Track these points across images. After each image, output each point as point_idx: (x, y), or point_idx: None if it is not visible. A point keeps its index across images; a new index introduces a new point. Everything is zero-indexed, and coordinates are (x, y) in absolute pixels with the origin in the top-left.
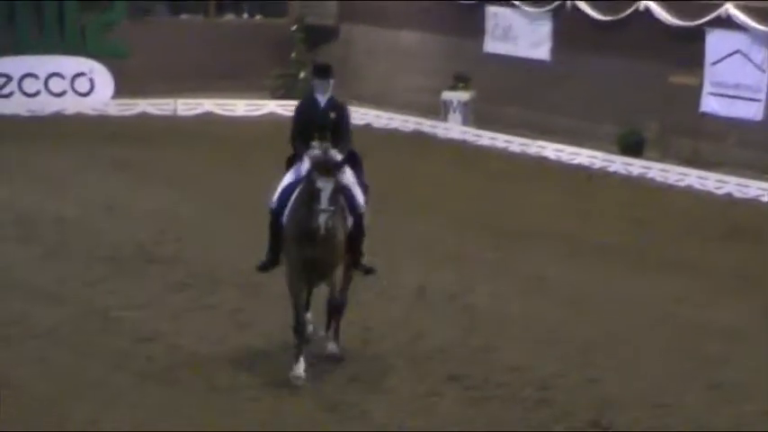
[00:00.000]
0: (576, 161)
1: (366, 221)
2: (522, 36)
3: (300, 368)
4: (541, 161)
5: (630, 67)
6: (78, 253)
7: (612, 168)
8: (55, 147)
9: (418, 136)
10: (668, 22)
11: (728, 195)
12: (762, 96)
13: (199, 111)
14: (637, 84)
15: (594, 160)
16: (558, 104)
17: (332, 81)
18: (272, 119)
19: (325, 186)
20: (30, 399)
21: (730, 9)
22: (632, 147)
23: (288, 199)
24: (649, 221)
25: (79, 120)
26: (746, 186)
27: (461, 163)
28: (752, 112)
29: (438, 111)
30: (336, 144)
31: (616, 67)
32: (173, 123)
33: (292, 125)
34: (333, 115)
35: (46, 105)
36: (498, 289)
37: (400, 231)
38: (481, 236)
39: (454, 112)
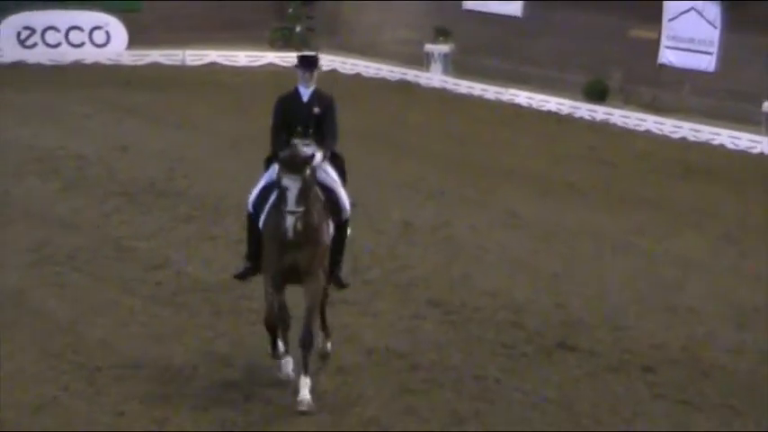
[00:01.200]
0: (545, 107)
1: (349, 231)
2: None
3: (289, 366)
4: (515, 107)
5: (595, 22)
6: (94, 187)
7: (578, 114)
8: (74, 92)
9: (403, 84)
10: None
11: (683, 139)
12: (713, 50)
13: (205, 61)
14: (601, 37)
15: (562, 107)
16: (529, 56)
17: (317, 72)
18: (271, 68)
19: (291, 185)
20: (48, 320)
21: None
22: (597, 94)
23: (264, 202)
24: (612, 162)
25: (96, 68)
26: (699, 131)
27: (442, 109)
28: (705, 63)
29: (421, 61)
30: (320, 141)
31: (582, 22)
32: (181, 72)
33: (272, 120)
34: (317, 110)
35: (66, 55)
36: (476, 223)
37: (387, 171)
38: (461, 175)
39: (435, 62)
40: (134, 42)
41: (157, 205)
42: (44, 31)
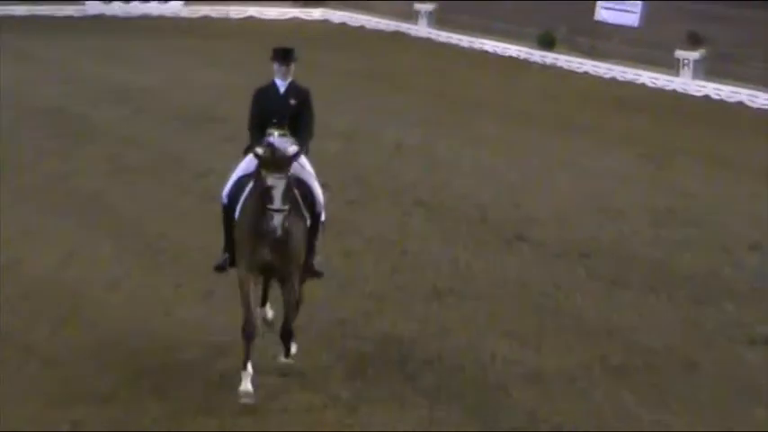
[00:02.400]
0: (507, 53)
1: (323, 218)
2: None
3: (248, 383)
4: (483, 53)
5: None
6: (156, 113)
7: (532, 59)
8: (141, 39)
9: (397, 35)
10: None
11: (614, 79)
12: (638, 10)
13: (244, 15)
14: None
15: (520, 53)
16: (495, 14)
17: (293, 65)
18: (295, 21)
19: (277, 183)
20: (119, 216)
21: None
22: (547, 43)
23: (240, 193)
24: (558, 96)
25: (160, 20)
26: (626, 72)
27: (427, 54)
28: (631, 20)
29: (411, 17)
30: (296, 133)
31: None
32: (226, 24)
33: (249, 113)
34: (293, 102)
35: (136, 9)
36: (452, 143)
37: (383, 102)
38: (441, 106)
39: (422, 18)
40: (191, 1)
41: (206, 127)
42: None
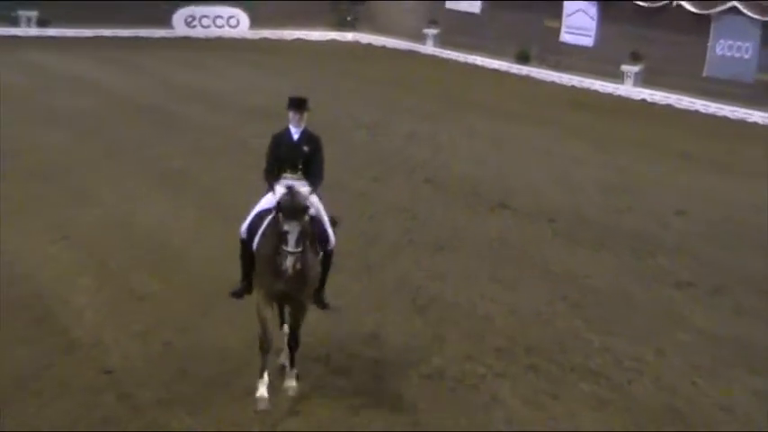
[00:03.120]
0: (492, 66)
1: (334, 257)
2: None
3: (264, 389)
4: (475, 66)
5: (524, 16)
6: (229, 109)
7: (512, 71)
8: (216, 53)
9: (410, 52)
10: None
11: (573, 86)
12: (592, 33)
13: (294, 37)
14: (528, 26)
15: (502, 66)
16: (484, 36)
17: (306, 114)
18: (332, 42)
19: (292, 229)
20: (201, 188)
21: None
22: (523, 59)
23: (258, 226)
24: (532, 99)
25: (231, 40)
26: (583, 81)
27: (432, 67)
28: (587, 41)
29: (421, 38)
30: (309, 177)
31: (516, 16)
32: (280, 43)
33: (266, 158)
34: (306, 148)
35: (213, 32)
36: (453, 134)
37: (399, 101)
38: (443, 105)
39: (429, 39)
40: (252, 26)
41: (263, 120)
42: (200, 17)
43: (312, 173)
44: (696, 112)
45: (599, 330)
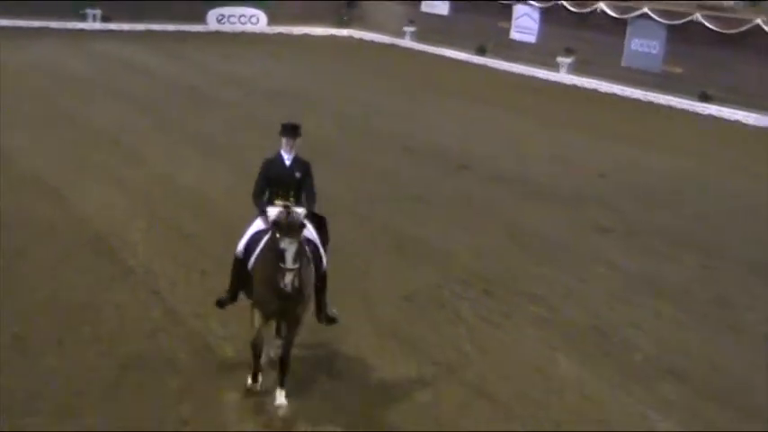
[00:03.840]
0: (458, 58)
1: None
2: (438, 3)
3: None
4: (444, 58)
5: (483, 18)
6: (252, 88)
7: (473, 61)
8: (242, 45)
9: (393, 45)
10: (501, 2)
11: (521, 74)
12: (535, 33)
13: (302, 32)
14: (485, 26)
15: (465, 57)
16: (450, 33)
17: (299, 140)
18: (332, 37)
19: (289, 247)
20: (234, 154)
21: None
22: (481, 52)
23: (254, 246)
24: (487, 83)
25: (253, 34)
26: (529, 70)
27: (410, 58)
28: (531, 39)
29: (401, 35)
30: (299, 201)
31: (477, 18)
32: (291, 37)
33: (256, 181)
34: (298, 174)
35: (238, 28)
36: (429, 112)
37: (385, 87)
38: (420, 89)
39: (408, 35)
40: (270, 23)
41: (281, 98)
42: (229, 16)
43: (305, 196)
44: (615, 95)
45: (540, 264)
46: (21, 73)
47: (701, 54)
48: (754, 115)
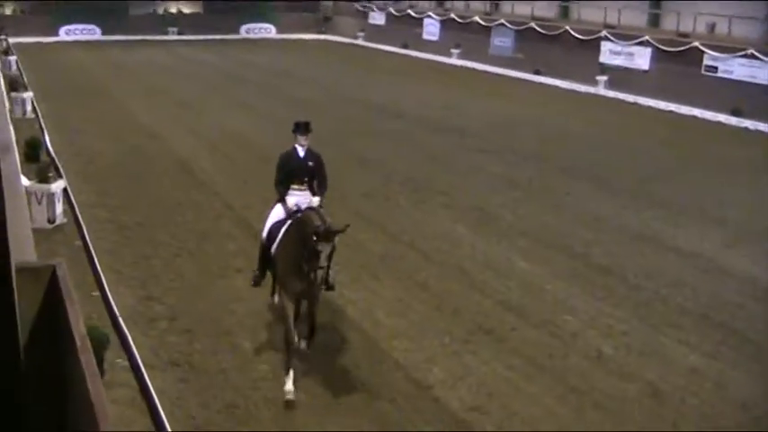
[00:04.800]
0: (390, 50)
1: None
2: (378, 17)
3: (290, 384)
4: (383, 50)
5: (406, 27)
6: (267, 71)
7: (400, 52)
8: (261, 46)
9: (352, 44)
10: (415, 18)
11: (429, 60)
12: (437, 35)
13: (297, 37)
14: (407, 31)
15: (395, 49)
16: (386, 36)
17: (310, 135)
18: (315, 39)
19: (324, 249)
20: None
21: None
22: (405, 47)
23: (276, 234)
24: (409, 65)
25: (267, 40)
26: (435, 57)
27: (362, 51)
28: (435, 38)
29: (357, 38)
30: (312, 188)
31: (403, 28)
32: (290, 40)
33: (276, 172)
34: (311, 164)
35: (259, 35)
36: (368, 79)
37: (353, 74)
38: (363, 68)
39: (361, 38)
40: (277, 32)
41: (289, 77)
42: (253, 28)
43: (318, 184)
44: (486, 71)
45: (443, 172)
46: (132, 67)
47: (534, 46)
48: (565, 82)
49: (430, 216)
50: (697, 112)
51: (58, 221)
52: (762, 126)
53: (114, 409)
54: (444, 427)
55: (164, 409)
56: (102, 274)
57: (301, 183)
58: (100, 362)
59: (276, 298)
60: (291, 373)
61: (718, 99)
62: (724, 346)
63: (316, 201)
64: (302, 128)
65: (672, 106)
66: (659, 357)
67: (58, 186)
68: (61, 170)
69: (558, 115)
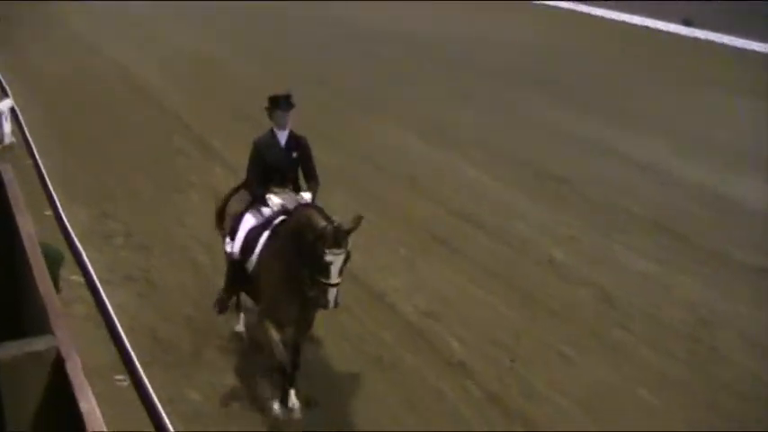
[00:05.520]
0: None
1: None
2: None
3: (278, 408)
4: None
5: None
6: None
7: None
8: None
9: None
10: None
11: None
12: None
13: None
14: None
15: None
16: None
17: (292, 111)
18: None
19: (335, 259)
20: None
21: None
22: None
23: (252, 245)
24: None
25: None
26: None
27: None
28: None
29: None
30: (297, 187)
31: None
32: None
33: (249, 167)
34: (295, 154)
35: None
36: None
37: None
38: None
39: None
40: None
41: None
42: None
43: (307, 180)
44: None
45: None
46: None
47: None
48: None
49: (382, 129)
50: (649, 22)
51: (6, 141)
52: (713, 36)
53: (70, 322)
54: (400, 333)
55: (122, 324)
56: (54, 193)
57: (284, 181)
58: (55, 279)
59: (240, 327)
60: (292, 395)
61: (669, 9)
62: (672, 251)
63: (307, 196)
64: (283, 103)
65: (624, 16)
66: (609, 263)
67: (5, 105)
68: (7, 89)
69: (511, 29)
